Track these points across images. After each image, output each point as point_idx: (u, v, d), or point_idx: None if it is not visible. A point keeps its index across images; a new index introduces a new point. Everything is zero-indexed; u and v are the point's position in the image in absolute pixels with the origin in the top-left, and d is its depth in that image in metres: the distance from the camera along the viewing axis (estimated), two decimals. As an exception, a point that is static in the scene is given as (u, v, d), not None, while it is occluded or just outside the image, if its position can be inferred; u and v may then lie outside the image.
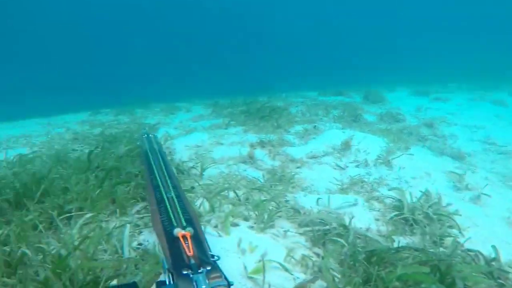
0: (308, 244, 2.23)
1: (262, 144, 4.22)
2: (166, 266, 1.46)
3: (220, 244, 2.12)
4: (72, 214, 2.44)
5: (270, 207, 2.64)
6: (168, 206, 1.92)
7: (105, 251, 2.07)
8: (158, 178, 2.43)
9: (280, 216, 2.55)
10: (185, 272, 1.33)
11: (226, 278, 1.32)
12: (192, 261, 1.40)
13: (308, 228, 2.38)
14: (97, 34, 33.32)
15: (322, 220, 2.44)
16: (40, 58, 27.70)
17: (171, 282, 1.36)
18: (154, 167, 2.74)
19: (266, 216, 2.45)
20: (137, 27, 34.64)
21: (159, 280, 1.47)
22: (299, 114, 6.36)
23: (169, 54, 30.48)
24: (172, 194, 2.11)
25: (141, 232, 2.32)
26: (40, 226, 2.28)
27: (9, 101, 13.05)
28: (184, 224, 1.70)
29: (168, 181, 2.36)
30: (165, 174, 2.54)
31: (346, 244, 2.11)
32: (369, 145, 4.04)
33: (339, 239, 2.16)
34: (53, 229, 2.36)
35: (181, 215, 1.81)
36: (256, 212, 2.54)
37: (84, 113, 9.09)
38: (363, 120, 5.75)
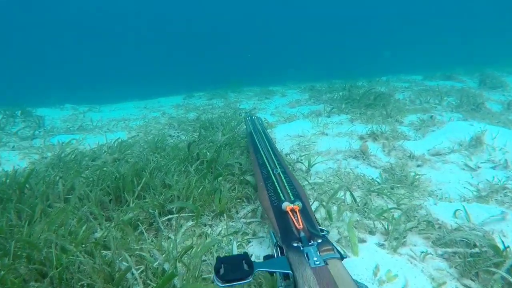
0: (455, 273, 1.77)
1: (373, 136, 3.72)
2: (275, 240, 1.46)
3: (348, 266, 1.73)
4: (174, 216, 2.21)
5: (401, 218, 2.20)
6: (275, 182, 1.91)
7: (211, 265, 1.79)
8: (264, 156, 2.45)
9: (410, 230, 2.11)
10: (295, 245, 1.29)
11: (338, 251, 1.25)
12: (302, 234, 1.35)
13: (449, 250, 1.92)
14: (187, 20, 34.13)
15: (465, 239, 1.95)
16: (137, 43, 29.04)
17: (279, 255, 1.34)
18: (259, 146, 2.77)
19: (397, 231, 2.02)
20: (231, 12, 34.82)
21: (266, 254, 1.44)
22: (408, 101, 5.66)
23: (260, 36, 30.35)
24: (279, 170, 2.10)
25: (249, 242, 2.01)
26: (141, 227, 2.07)
27: (112, 83, 13.74)
28: (292, 198, 1.68)
29: (274, 159, 2.36)
30: (270, 152, 2.54)
31: (510, 279, 1.62)
32: (507, 141, 3.37)
33: (498, 271, 1.66)
34: (153, 231, 2.14)
35: (288, 189, 1.80)
36: (383, 224, 2.12)
37: (178, 96, 9.16)
38: (485, 110, 4.92)
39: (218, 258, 1.21)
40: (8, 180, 2.71)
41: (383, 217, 2.19)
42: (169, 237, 2.06)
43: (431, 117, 4.31)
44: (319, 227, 1.49)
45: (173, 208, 2.26)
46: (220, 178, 2.68)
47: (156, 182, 2.56)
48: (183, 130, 4.80)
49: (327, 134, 4.05)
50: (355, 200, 2.43)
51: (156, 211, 2.20)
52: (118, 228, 2.03)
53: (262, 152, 2.56)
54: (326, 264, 1.14)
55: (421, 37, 26.91)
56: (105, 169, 2.94)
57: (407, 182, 2.79)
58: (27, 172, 2.67)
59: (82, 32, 29.55)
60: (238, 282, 1.13)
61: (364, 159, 3.27)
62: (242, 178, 2.73)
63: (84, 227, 1.98)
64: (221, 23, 33.24)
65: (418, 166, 3.15)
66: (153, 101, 8.65)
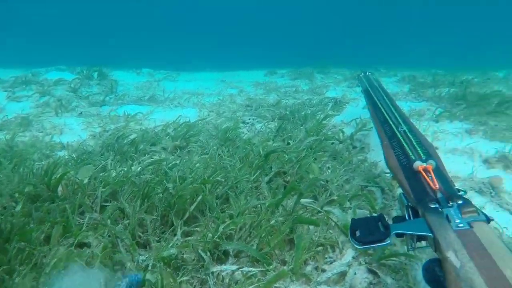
0: None
1: (505, 161, 2.80)
2: (406, 202, 1.33)
3: None
4: (228, 269, 1.58)
5: None
6: (402, 140, 1.76)
7: None
8: (385, 112, 2.25)
9: None
10: (433, 206, 1.15)
11: (484, 214, 1.06)
12: (439, 194, 1.21)
13: None
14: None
15: None
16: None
17: (411, 217, 1.25)
18: (378, 102, 2.55)
19: None
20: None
21: (396, 216, 1.30)
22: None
23: (351, 14, 28.55)
24: (404, 128, 1.92)
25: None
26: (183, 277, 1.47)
27: (193, 52, 13.54)
28: (424, 157, 1.54)
29: (397, 115, 2.16)
30: (392, 108, 2.33)
31: None
32: None
33: None
34: (199, 283, 1.54)
35: (418, 147, 1.64)
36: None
37: (259, 71, 8.56)
38: None
39: (352, 219, 1.18)
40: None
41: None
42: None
43: None
44: (455, 187, 1.32)
45: (230, 249, 1.64)
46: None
47: (214, 202, 1.96)
48: (259, 117, 4.16)
49: (437, 148, 3.19)
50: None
51: (208, 254, 1.58)
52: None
53: (382, 108, 2.37)
54: (471, 227, 1.02)
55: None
56: (158, 176, 2.39)
57: None
58: (60, 175, 2.17)
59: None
60: (377, 245, 1.07)
61: (492, 196, 2.41)
62: (327, 210, 2.03)
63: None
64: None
65: None
66: (232, 74, 8.14)
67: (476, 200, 2.38)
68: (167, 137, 3.40)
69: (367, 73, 3.79)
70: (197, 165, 2.69)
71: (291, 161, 2.58)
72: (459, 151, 3.08)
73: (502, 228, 2.05)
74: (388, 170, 2.35)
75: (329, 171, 2.64)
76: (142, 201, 1.95)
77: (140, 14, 27.42)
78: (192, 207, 1.89)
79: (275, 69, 8.46)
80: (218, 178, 2.21)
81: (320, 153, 2.92)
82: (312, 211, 2.02)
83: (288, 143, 3.26)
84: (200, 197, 1.93)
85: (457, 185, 2.44)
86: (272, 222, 1.78)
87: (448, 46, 16.60)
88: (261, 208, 1.93)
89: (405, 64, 9.20)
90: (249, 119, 4.08)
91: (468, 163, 2.86)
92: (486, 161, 2.85)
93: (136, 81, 6.73)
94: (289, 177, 2.40)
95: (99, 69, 6.61)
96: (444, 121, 3.92)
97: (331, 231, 1.85)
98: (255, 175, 2.37)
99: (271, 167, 2.48)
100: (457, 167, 2.79)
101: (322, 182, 2.35)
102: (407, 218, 1.27)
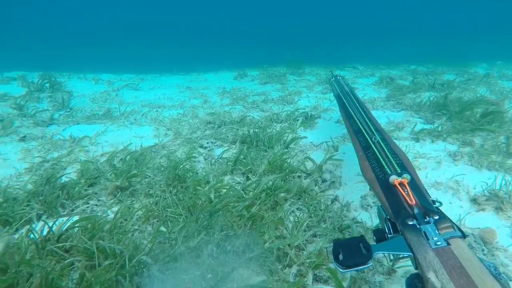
0: None
1: (495, 199, 2.38)
2: (385, 215, 1.28)
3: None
4: None
5: None
6: (377, 151, 1.66)
7: None
8: (358, 121, 2.16)
9: None
10: (411, 223, 1.11)
11: (459, 229, 1.05)
12: (416, 210, 1.17)
13: None
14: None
15: None
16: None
17: (391, 231, 1.20)
18: (350, 110, 2.44)
19: None
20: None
21: (376, 228, 1.35)
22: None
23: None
24: (378, 137, 1.81)
25: None
26: None
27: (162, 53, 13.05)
28: (399, 170, 1.42)
29: (369, 124, 2.06)
30: (364, 116, 2.23)
31: None
32: None
33: None
34: None
35: (392, 160, 1.53)
36: None
37: (229, 73, 8.06)
38: None
39: (334, 241, 1.11)
40: None
41: None
42: None
43: None
44: (430, 198, 1.29)
45: None
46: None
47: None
48: (219, 139, 3.68)
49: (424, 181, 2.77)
50: None
51: None
52: None
53: (355, 117, 2.26)
54: (449, 244, 0.97)
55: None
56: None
57: None
58: None
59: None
60: (360, 267, 1.03)
61: (484, 254, 2.01)
62: None
63: None
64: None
65: None
66: (199, 78, 7.60)
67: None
68: (110, 173, 2.90)
69: (337, 77, 3.62)
70: (137, 213, 2.27)
71: (243, 216, 2.13)
72: (443, 186, 2.67)
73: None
74: (359, 218, 2.20)
75: (291, 218, 2.22)
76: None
77: (107, 15, 26.63)
78: None
79: (246, 70, 7.94)
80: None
81: (283, 194, 2.48)
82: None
83: (248, 178, 2.82)
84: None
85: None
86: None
87: (427, 38, 16.35)
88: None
89: (383, 59, 8.81)
90: (208, 142, 3.61)
91: (454, 203, 2.46)
92: (474, 201, 2.45)
93: (93, 91, 6.14)
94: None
95: (52, 79, 6.01)
96: (425, 140, 3.49)
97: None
98: (199, 237, 1.94)
99: (221, 229, 2.03)
100: (443, 209, 2.38)
101: (281, 246, 1.92)
102: (386, 231, 1.23)
